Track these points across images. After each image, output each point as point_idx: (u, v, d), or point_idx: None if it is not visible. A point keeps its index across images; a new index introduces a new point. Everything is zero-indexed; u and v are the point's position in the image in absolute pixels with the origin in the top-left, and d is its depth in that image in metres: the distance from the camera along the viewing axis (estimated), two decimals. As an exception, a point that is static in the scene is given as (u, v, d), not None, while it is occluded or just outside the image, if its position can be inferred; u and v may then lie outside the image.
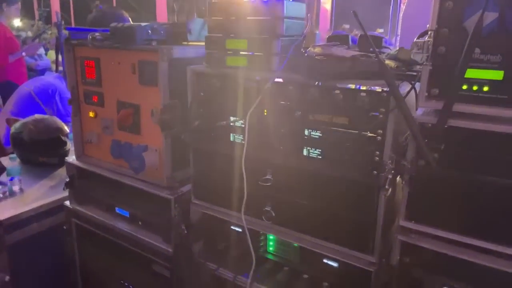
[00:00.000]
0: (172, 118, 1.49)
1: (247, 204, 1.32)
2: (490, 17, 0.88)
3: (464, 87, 0.96)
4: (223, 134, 1.42)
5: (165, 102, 1.48)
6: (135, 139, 1.63)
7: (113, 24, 1.56)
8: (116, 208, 1.77)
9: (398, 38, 3.66)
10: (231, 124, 1.35)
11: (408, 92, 1.05)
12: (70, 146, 2.39)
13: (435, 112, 1.03)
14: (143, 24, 1.52)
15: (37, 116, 2.53)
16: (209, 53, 1.36)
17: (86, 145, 1.85)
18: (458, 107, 0.96)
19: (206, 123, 1.42)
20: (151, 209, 1.63)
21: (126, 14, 2.54)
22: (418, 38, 1.43)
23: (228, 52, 1.32)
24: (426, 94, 1.00)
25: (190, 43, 1.69)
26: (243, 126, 1.30)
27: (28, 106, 3.55)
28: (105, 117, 1.71)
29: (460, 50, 0.92)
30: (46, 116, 2.52)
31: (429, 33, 0.97)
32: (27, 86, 3.63)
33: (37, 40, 5.93)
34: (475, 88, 0.96)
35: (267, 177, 1.30)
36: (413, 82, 1.08)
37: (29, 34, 7.62)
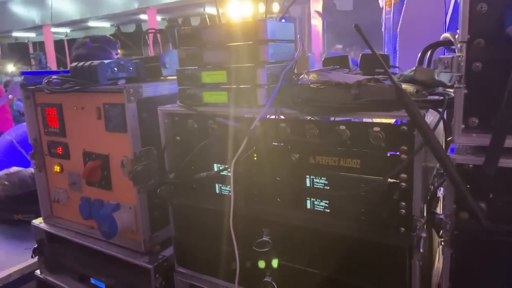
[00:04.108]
0: (146, 169, 1.24)
1: (242, 273, 1.04)
2: (545, 18, 0.65)
3: (515, 113, 0.71)
4: (206, 185, 1.16)
5: (137, 150, 1.23)
6: (106, 195, 1.38)
7: (73, 64, 1.34)
8: (91, 279, 1.49)
9: (397, 56, 3.46)
10: (214, 173, 1.10)
11: (437, 123, 0.80)
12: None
13: (473, 149, 0.77)
14: (106, 61, 1.30)
15: (11, 168, 2.31)
16: (182, 89, 1.13)
17: (53, 204, 1.59)
18: (509, 142, 0.70)
19: (185, 174, 1.16)
20: (130, 279, 1.35)
21: (114, 53, 2.31)
22: (423, 53, 1.21)
23: (205, 86, 1.09)
24: (463, 126, 0.75)
25: (168, 78, 1.48)
26: (229, 175, 1.05)
27: (11, 156, 3.33)
28: (71, 171, 1.47)
29: (503, 65, 0.68)
30: (19, 168, 2.28)
31: (459, 46, 0.73)
32: (9, 135, 3.42)
33: None
34: (529, 114, 0.71)
35: (263, 238, 1.03)
36: (440, 110, 0.83)
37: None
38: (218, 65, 1.05)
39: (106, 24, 12.48)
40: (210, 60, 1.06)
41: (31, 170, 2.28)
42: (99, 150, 1.36)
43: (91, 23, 11.79)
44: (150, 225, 1.31)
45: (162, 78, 1.47)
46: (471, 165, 0.74)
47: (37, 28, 11.71)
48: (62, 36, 13.37)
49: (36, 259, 1.64)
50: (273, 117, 1.00)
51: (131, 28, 13.00)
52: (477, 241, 0.77)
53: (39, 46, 13.63)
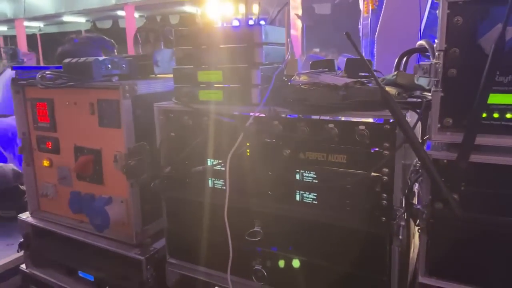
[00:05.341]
0: (140, 164, 1.28)
1: (233, 262, 1.10)
2: (510, 32, 0.74)
3: (483, 115, 0.81)
4: (200, 179, 1.21)
5: (130, 145, 1.27)
6: (97, 189, 1.40)
7: (66, 60, 1.36)
8: (79, 272, 1.51)
9: (374, 60, 3.60)
10: (209, 167, 1.16)
11: (416, 122, 0.89)
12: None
13: (447, 146, 0.87)
14: (101, 58, 1.33)
15: (-10, 164, 2.27)
16: (179, 87, 1.18)
17: (41, 199, 1.60)
18: (479, 139, 0.80)
19: (179, 168, 1.21)
20: (120, 271, 1.38)
21: (103, 50, 2.26)
22: (400, 58, 1.32)
23: (201, 85, 1.14)
24: (439, 125, 0.84)
25: (158, 76, 1.52)
26: (223, 169, 1.11)
27: (-11, 152, 3.24)
28: (61, 166, 1.48)
29: (475, 72, 0.78)
30: (0, 164, 2.25)
31: (436, 54, 0.82)
32: (-15, 131, 3.33)
33: None
34: (496, 115, 0.81)
35: (255, 229, 1.09)
36: (418, 111, 0.92)
37: (-8, 73, 7.23)
38: (214, 65, 1.11)
39: (82, 20, 12.16)
40: (207, 60, 1.12)
41: (12, 166, 2.24)
42: (91, 145, 1.39)
43: (65, 18, 11.45)
44: (142, 217, 1.35)
45: (153, 76, 1.51)
46: (445, 160, 0.84)
47: (9, 21, 11.27)
48: (35, 30, 12.92)
49: (21, 253, 1.64)
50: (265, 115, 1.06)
51: (107, 24, 12.72)
52: (451, 228, 0.86)
53: (11, 40, 13.13)
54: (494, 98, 0.79)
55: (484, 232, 0.83)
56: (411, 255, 1.14)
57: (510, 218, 0.81)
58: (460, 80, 0.81)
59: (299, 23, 8.44)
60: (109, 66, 1.34)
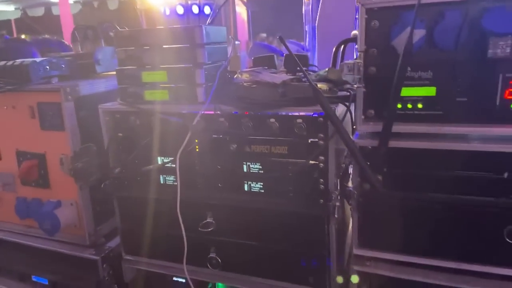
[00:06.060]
0: (87, 166, 1.28)
1: (188, 252, 1.16)
2: (418, 34, 0.86)
3: (399, 105, 0.93)
4: (151, 176, 1.25)
5: (76, 148, 1.27)
6: (44, 194, 1.38)
7: (1, 63, 1.30)
8: (33, 276, 1.49)
9: (316, 47, 3.74)
10: (160, 165, 1.20)
11: (345, 115, 1.00)
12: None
13: (371, 134, 0.99)
14: (38, 59, 1.29)
15: None
16: (123, 88, 1.19)
17: (-17, 207, 1.53)
18: (396, 127, 0.92)
19: (129, 168, 1.24)
20: (75, 272, 1.39)
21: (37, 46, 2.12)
22: (337, 48, 1.43)
23: (146, 85, 1.17)
24: (363, 116, 0.95)
25: (101, 74, 1.50)
26: (173, 166, 1.16)
27: None
28: (4, 172, 1.43)
29: (391, 69, 0.89)
30: None
31: (358, 54, 0.93)
32: None
33: None
34: (409, 106, 0.94)
35: (207, 220, 1.16)
36: (347, 104, 1.03)
37: None
38: (158, 66, 1.14)
39: (10, 8, 11.13)
40: (150, 61, 1.14)
41: None
42: (34, 149, 1.36)
43: (-10, 6, 10.43)
44: (93, 218, 1.36)
45: (95, 75, 1.49)
46: (370, 147, 0.96)
47: None
48: (-47, 20, 11.63)
49: (-35, 265, 1.57)
50: (211, 112, 1.12)
51: (39, 12, 11.77)
52: (377, 205, 0.99)
53: None
54: (407, 91, 0.92)
55: (404, 206, 0.97)
56: (349, 231, 1.28)
57: (426, 193, 0.95)
58: (379, 77, 0.93)
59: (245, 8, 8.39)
60: (48, 67, 1.31)
